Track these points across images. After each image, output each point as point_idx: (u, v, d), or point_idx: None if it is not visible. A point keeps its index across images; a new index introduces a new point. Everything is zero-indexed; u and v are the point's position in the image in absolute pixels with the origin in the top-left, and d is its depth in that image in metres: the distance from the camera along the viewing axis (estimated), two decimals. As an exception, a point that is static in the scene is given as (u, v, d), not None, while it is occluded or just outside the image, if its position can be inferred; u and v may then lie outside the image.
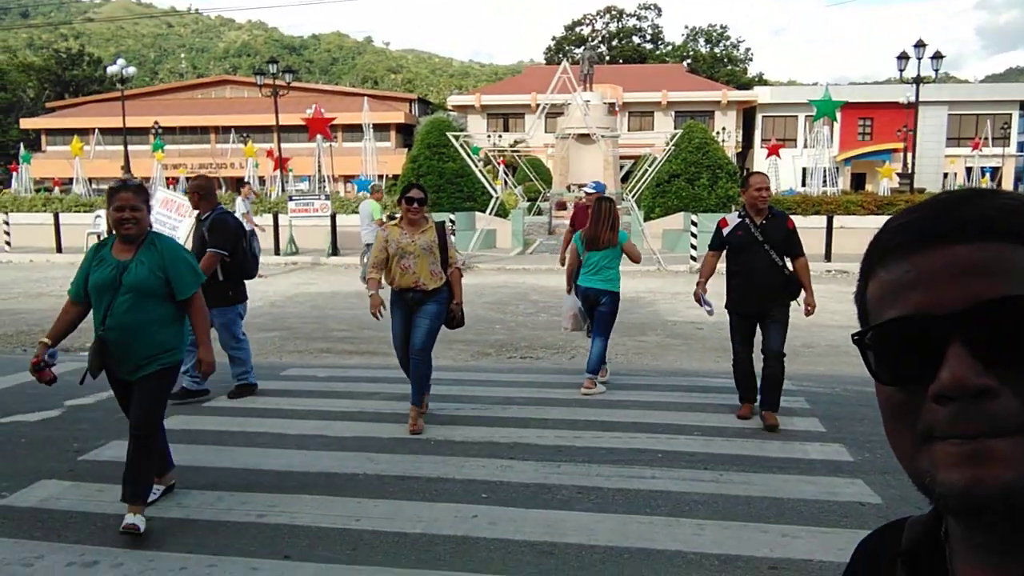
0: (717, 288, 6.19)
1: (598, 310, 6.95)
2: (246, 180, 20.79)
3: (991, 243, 0.61)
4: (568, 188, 29.13)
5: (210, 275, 6.09)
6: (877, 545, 0.79)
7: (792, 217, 6.13)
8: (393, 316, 5.81)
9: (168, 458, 4.38)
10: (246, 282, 6.88)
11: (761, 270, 5.72)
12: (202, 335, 4.10)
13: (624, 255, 7.03)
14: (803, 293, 5.84)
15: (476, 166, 23.98)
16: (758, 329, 5.93)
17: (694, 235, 17.23)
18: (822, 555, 3.67)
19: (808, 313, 5.85)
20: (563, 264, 7.94)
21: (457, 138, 23.66)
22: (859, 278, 0.70)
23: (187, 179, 34.53)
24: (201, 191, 6.60)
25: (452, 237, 5.33)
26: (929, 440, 0.60)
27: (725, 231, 5.92)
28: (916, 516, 0.74)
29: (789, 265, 5.85)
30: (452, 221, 17.64)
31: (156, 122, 40.57)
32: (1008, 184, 44.05)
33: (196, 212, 6.69)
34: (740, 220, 5.85)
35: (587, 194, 8.76)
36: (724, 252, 6.05)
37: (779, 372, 5.78)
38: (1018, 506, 0.57)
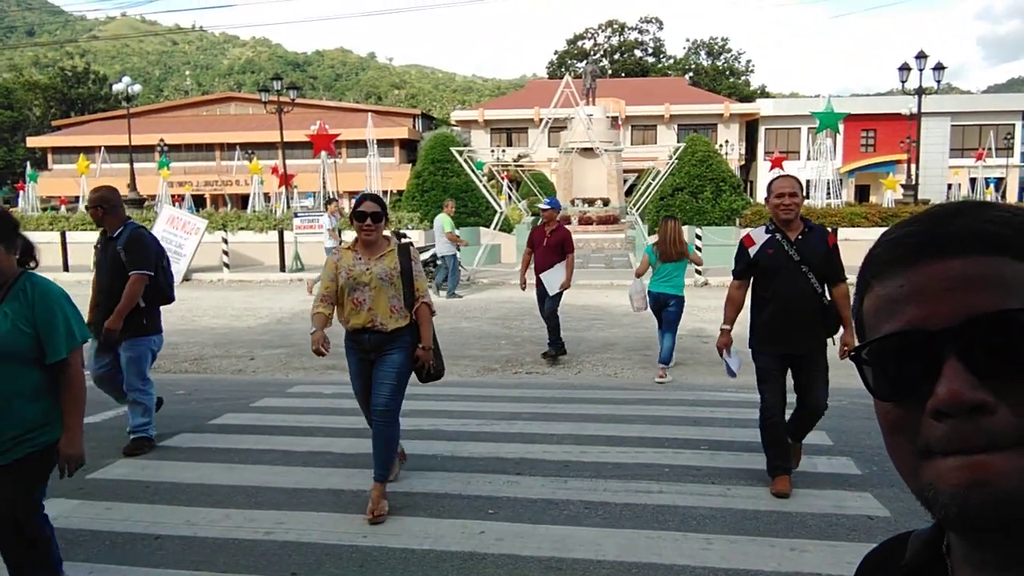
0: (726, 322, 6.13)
1: (667, 311, 8.16)
2: (334, 197, 20.97)
3: (985, 256, 0.61)
4: (572, 202, 29.19)
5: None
6: (881, 559, 0.79)
7: (831, 231, 4.95)
8: (349, 364, 4.68)
9: (55, 555, 3.24)
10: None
11: (798, 298, 4.58)
12: (71, 417, 3.07)
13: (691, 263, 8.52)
14: (840, 329, 4.76)
15: (480, 181, 24.06)
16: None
17: (698, 248, 17.24)
18: (830, 569, 3.66)
19: (843, 355, 4.59)
20: (523, 288, 9.95)
21: (461, 153, 23.76)
22: (855, 293, 0.71)
23: (192, 196, 34.69)
24: (106, 204, 5.53)
25: (417, 266, 4.56)
26: (928, 455, 0.60)
27: (752, 251, 4.70)
28: (920, 530, 0.74)
29: (827, 293, 4.74)
30: (457, 236, 17.67)
31: (161, 139, 40.84)
32: (1013, 194, 43.98)
33: (101, 229, 5.72)
34: (769, 236, 4.66)
35: (542, 210, 9.20)
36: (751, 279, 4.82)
37: (814, 423, 4.88)
38: (1016, 520, 0.57)
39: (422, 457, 5.44)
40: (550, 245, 8.97)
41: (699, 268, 16.94)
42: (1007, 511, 0.57)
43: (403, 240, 4.92)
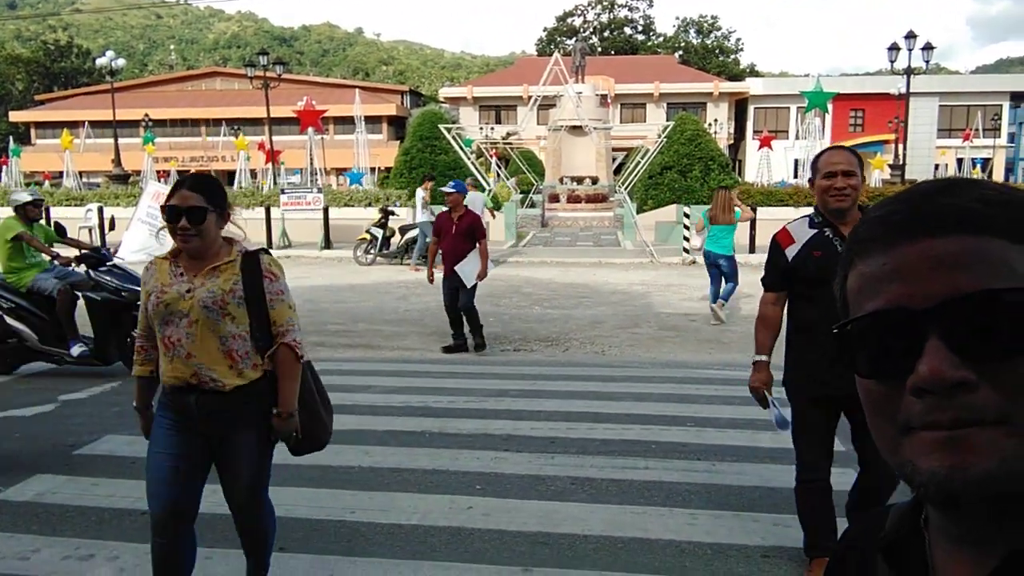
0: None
1: (720, 267, 10.03)
2: (432, 175, 20.61)
3: (969, 235, 0.60)
4: (561, 180, 29.15)
5: None
6: (863, 532, 0.80)
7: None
8: (153, 437, 2.93)
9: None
10: None
11: None
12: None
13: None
14: None
15: (469, 159, 23.98)
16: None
17: (687, 227, 17.27)
18: (813, 544, 3.70)
19: None
20: (430, 281, 9.28)
21: (449, 130, 23.65)
22: (839, 271, 0.70)
23: (178, 172, 34.45)
24: None
25: (276, 283, 2.89)
26: (908, 431, 0.61)
27: (790, 252, 3.31)
28: (900, 503, 0.74)
29: None
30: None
31: (146, 114, 40.43)
32: (999, 174, 44.24)
33: None
34: (816, 232, 3.29)
35: (446, 194, 8.54)
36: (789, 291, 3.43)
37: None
38: (995, 496, 0.57)
39: (411, 434, 5.46)
40: (459, 232, 8.35)
41: (686, 247, 16.97)
42: (985, 487, 0.57)
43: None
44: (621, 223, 23.85)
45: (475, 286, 8.33)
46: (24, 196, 7.23)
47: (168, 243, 2.93)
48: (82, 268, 7.30)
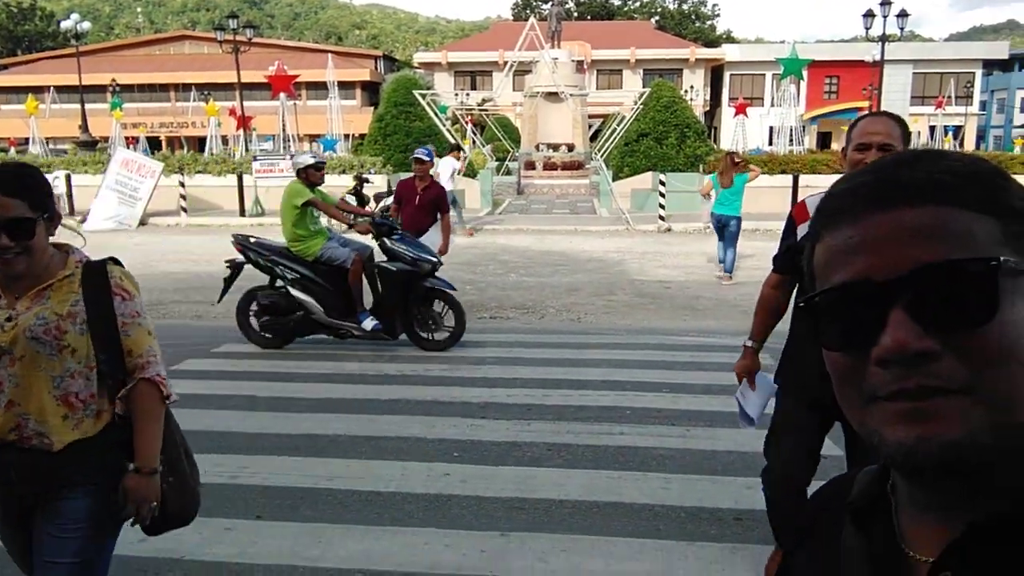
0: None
1: (728, 229, 10.38)
2: (458, 144, 20.06)
3: (934, 206, 0.61)
4: (537, 148, 29.01)
5: None
6: (830, 495, 0.81)
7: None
8: None
9: None
10: None
11: None
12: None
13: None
14: None
15: (444, 125, 23.76)
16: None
17: (662, 195, 17.30)
18: (784, 506, 3.78)
19: None
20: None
21: (424, 96, 23.38)
22: (807, 243, 0.70)
23: (147, 138, 33.87)
24: None
25: (130, 303, 2.15)
26: (874, 400, 0.61)
27: (802, 230, 2.95)
28: (868, 468, 0.75)
29: None
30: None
31: (113, 79, 39.48)
32: (970, 143, 44.68)
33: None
34: None
35: (416, 160, 7.89)
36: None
37: None
38: (959, 465, 0.58)
39: (388, 402, 5.47)
40: (423, 204, 7.74)
41: (662, 214, 17.02)
42: (951, 457, 0.58)
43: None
44: (597, 190, 23.83)
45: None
46: (307, 159, 6.74)
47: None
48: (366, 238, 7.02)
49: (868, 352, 0.61)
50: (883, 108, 32.31)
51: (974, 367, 0.58)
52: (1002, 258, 0.58)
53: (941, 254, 0.59)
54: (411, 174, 8.07)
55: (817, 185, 18.01)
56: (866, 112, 2.98)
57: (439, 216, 7.87)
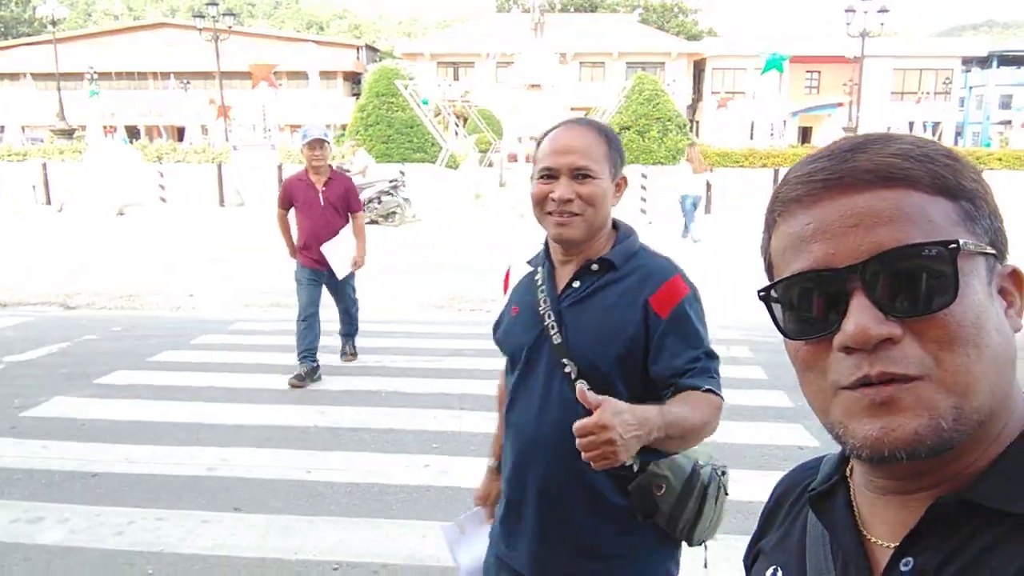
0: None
1: (694, 204, 13.68)
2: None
3: (888, 190, 0.60)
4: (519, 140, 28.94)
5: None
6: (795, 481, 0.82)
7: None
8: None
9: None
10: None
11: None
12: None
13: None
14: None
15: (426, 116, 23.65)
16: None
17: (643, 187, 17.33)
18: (764, 496, 3.80)
19: None
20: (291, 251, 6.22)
21: (406, 87, 23.26)
22: (763, 232, 0.70)
23: (126, 127, 33.42)
24: None
25: None
26: (838, 390, 0.61)
27: None
28: (832, 454, 0.75)
29: None
30: (402, 172, 17.46)
31: (91, 67, 38.95)
32: (948, 138, 45.09)
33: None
34: None
35: (313, 145, 5.75)
36: None
37: None
38: (920, 451, 0.58)
39: (367, 393, 5.45)
40: (329, 203, 5.86)
41: (643, 207, 17.05)
42: (915, 447, 0.58)
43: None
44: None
45: (352, 276, 6.16)
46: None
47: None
48: None
49: (830, 340, 0.61)
50: (863, 103, 32.52)
51: (934, 351, 0.58)
52: (961, 241, 0.59)
53: (897, 237, 0.59)
54: (300, 168, 6.17)
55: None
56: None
57: (351, 216, 6.04)
